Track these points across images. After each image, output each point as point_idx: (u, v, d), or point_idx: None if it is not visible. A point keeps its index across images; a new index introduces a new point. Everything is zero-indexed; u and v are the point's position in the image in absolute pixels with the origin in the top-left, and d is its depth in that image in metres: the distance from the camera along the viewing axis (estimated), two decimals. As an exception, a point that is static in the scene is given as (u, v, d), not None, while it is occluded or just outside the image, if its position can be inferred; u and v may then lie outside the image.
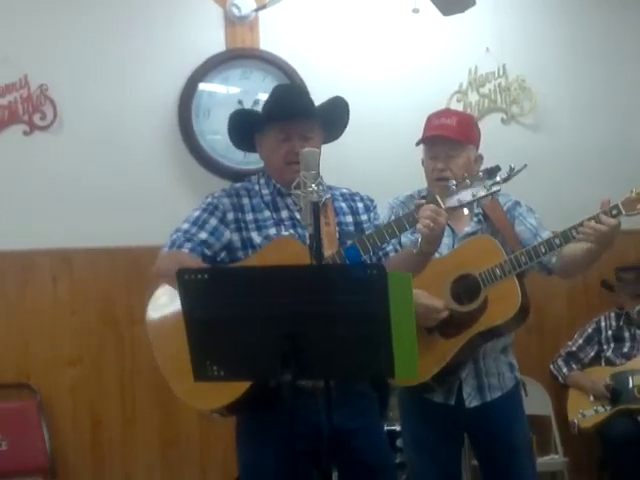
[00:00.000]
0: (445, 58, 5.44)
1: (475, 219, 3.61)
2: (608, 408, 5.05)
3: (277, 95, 3.23)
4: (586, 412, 5.08)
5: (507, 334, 3.57)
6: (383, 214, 3.53)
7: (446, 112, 3.91)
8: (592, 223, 3.23)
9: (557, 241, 3.34)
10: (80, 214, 4.99)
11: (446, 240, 3.50)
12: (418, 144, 3.63)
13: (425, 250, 3.02)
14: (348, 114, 3.25)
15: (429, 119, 3.66)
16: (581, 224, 3.28)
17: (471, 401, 3.51)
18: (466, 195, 2.98)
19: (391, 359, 2.33)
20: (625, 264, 5.43)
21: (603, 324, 5.33)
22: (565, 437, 5.28)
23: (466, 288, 3.41)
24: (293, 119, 3.11)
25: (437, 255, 3.42)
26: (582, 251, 3.39)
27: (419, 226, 2.95)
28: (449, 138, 3.52)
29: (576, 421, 5.10)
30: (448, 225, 3.49)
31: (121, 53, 5.07)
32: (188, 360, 2.43)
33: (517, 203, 3.65)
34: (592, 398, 5.11)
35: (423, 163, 3.66)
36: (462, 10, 4.65)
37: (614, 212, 3.24)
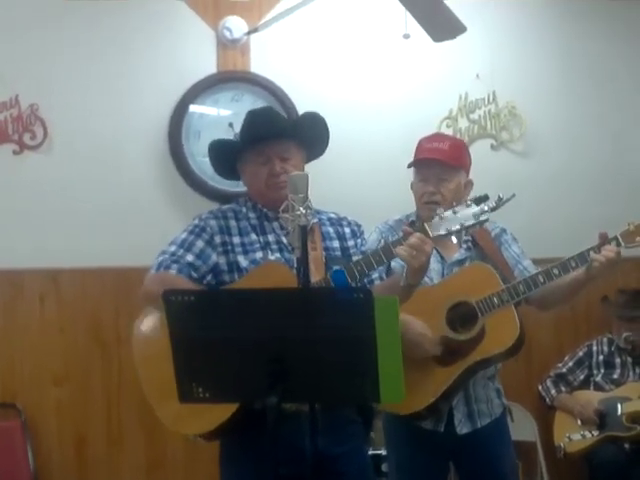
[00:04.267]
0: (435, 84, 5.45)
1: (464, 246, 3.61)
2: (595, 434, 5.01)
3: (250, 120, 3.21)
4: (573, 436, 5.04)
5: (502, 362, 3.58)
6: (372, 238, 3.53)
7: (438, 136, 3.92)
8: (607, 252, 3.26)
9: (555, 271, 3.35)
10: (69, 234, 4.99)
11: (436, 266, 3.52)
12: (410, 167, 3.63)
13: (411, 281, 3.01)
14: (327, 130, 3.22)
15: (420, 143, 3.67)
16: (581, 254, 3.31)
17: (462, 428, 3.50)
18: (454, 224, 2.97)
19: (377, 384, 2.33)
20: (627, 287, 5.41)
21: (595, 348, 5.32)
22: (551, 464, 5.26)
23: (462, 316, 3.39)
24: (268, 141, 3.10)
25: (428, 281, 3.44)
26: (568, 281, 3.41)
27: (398, 250, 2.94)
28: (441, 161, 3.53)
29: (562, 445, 5.06)
30: (437, 252, 3.51)
31: (112, 74, 5.08)
32: (172, 384, 2.42)
33: (504, 230, 3.68)
34: (580, 422, 5.09)
35: (412, 187, 3.66)
36: (453, 36, 4.66)
37: (613, 244, 3.29)
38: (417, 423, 3.48)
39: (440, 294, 3.42)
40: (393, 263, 3.37)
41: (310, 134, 3.20)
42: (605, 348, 5.31)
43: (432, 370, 3.37)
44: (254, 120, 3.20)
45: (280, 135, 3.13)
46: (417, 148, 3.66)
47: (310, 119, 3.22)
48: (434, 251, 3.45)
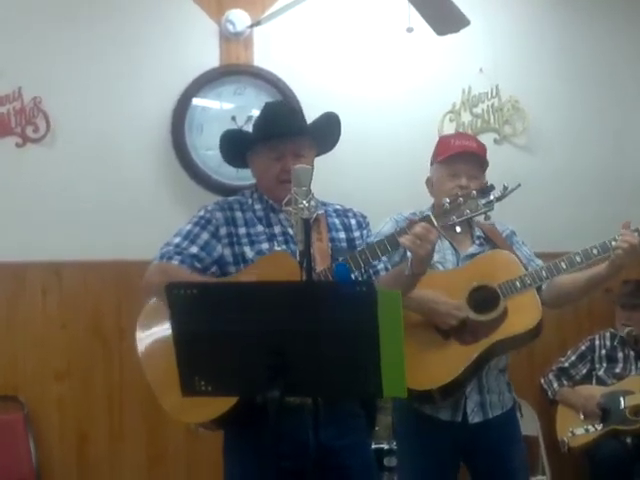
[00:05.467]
0: (439, 78, 5.45)
1: (477, 242, 3.61)
2: (598, 428, 5.02)
3: (269, 113, 3.21)
4: (576, 431, 5.05)
5: (521, 347, 3.60)
6: (387, 227, 3.53)
7: (464, 135, 3.93)
8: (628, 237, 3.28)
9: (577, 258, 3.38)
10: (71, 227, 4.99)
11: (450, 258, 3.54)
12: (441, 161, 3.58)
13: (416, 271, 3.00)
14: (340, 128, 3.23)
15: (447, 140, 3.66)
16: (603, 243, 3.33)
17: (474, 417, 3.50)
18: (460, 213, 2.97)
19: (379, 377, 2.32)
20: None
21: (597, 343, 5.32)
22: (553, 458, 5.26)
23: (484, 299, 3.41)
24: (286, 138, 3.10)
25: (442, 269, 3.46)
26: (587, 276, 3.43)
27: (402, 239, 2.93)
28: (479, 156, 3.53)
29: (566, 440, 5.07)
30: (451, 244, 3.52)
31: (115, 67, 5.07)
32: (176, 374, 2.43)
33: (513, 233, 3.71)
34: (582, 417, 5.09)
35: (429, 182, 3.65)
36: (456, 30, 4.65)
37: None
38: (432, 413, 3.47)
39: (461, 278, 3.44)
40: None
41: (325, 134, 3.20)
42: (607, 342, 5.31)
43: (454, 349, 3.37)
44: (273, 115, 3.19)
45: (298, 132, 3.13)
46: (444, 145, 3.62)
47: (326, 119, 3.21)
48: (448, 244, 3.48)
